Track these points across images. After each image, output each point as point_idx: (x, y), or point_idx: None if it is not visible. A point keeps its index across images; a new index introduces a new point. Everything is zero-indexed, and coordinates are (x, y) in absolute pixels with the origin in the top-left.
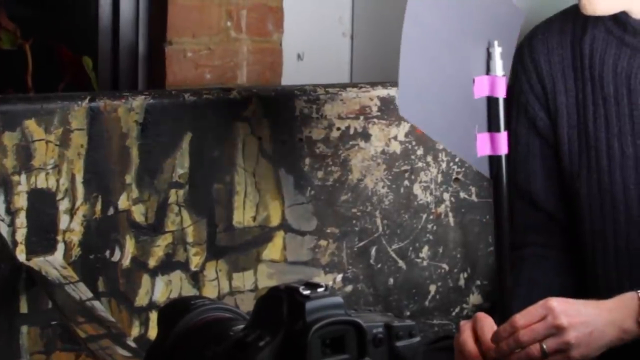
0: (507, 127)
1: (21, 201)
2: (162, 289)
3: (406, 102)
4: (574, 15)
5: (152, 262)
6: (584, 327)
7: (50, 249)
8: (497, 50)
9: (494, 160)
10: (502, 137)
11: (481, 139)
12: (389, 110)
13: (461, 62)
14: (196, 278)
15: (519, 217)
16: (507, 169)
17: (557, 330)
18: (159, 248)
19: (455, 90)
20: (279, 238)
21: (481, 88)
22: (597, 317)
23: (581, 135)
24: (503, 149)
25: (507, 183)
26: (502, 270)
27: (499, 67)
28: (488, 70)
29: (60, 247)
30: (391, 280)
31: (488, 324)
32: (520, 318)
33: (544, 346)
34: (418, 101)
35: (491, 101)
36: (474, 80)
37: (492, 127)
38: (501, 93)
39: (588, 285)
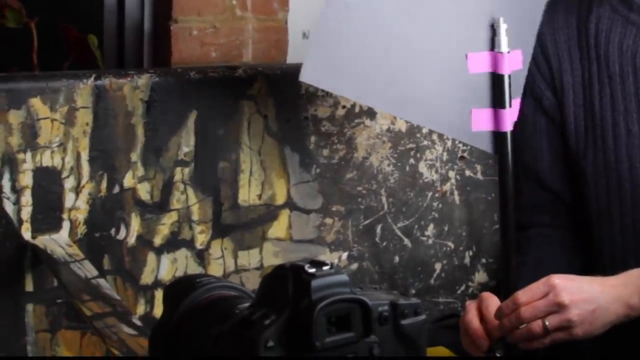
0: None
1: (26, 179)
2: (167, 267)
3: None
4: None
5: (157, 240)
6: (587, 304)
7: (56, 227)
8: (502, 27)
9: (497, 136)
10: (507, 113)
11: (480, 115)
12: None
13: (449, 41)
14: (201, 256)
15: (526, 197)
16: (512, 145)
17: (559, 307)
18: (165, 226)
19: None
20: (284, 216)
21: (478, 64)
22: (600, 294)
23: (587, 114)
24: (508, 125)
25: (513, 159)
26: (507, 248)
27: (504, 43)
28: (493, 47)
29: (66, 225)
30: (397, 258)
31: (493, 303)
32: (523, 295)
33: (546, 323)
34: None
35: (495, 77)
36: (466, 56)
37: (497, 103)
38: (506, 69)
39: (594, 265)
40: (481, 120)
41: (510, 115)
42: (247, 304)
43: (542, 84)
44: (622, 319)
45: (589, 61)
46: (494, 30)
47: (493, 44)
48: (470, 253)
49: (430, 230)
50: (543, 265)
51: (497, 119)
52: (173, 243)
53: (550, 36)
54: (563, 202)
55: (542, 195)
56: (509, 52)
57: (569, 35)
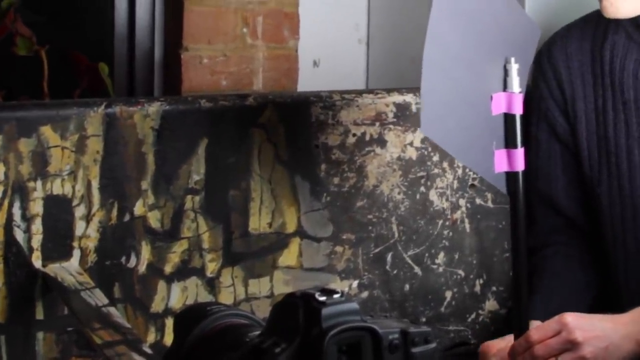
0: (527, 134)
1: (37, 207)
2: (177, 295)
3: (428, 119)
4: (594, 21)
5: (168, 269)
6: (599, 341)
7: (66, 255)
8: (513, 67)
9: (510, 176)
10: (519, 153)
11: (499, 156)
12: (404, 116)
13: (479, 79)
14: (212, 284)
15: (540, 222)
16: (524, 185)
17: (572, 345)
18: (175, 254)
19: (474, 107)
20: (294, 244)
21: (499, 105)
22: (612, 332)
23: (601, 141)
24: (520, 165)
25: (524, 199)
26: (518, 276)
27: (516, 84)
28: (505, 87)
29: (76, 253)
30: (407, 287)
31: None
32: (535, 333)
33: None
34: (439, 118)
35: (508, 118)
36: (491, 97)
37: (509, 143)
38: (518, 110)
39: (609, 291)
40: (499, 161)
41: (521, 155)
42: (257, 332)
43: (556, 111)
44: (634, 356)
45: (603, 88)
46: (505, 70)
47: (505, 84)
48: (481, 281)
49: (441, 258)
50: (560, 278)
51: (510, 159)
52: (183, 271)
53: (563, 62)
54: (578, 227)
55: (557, 220)
56: (520, 92)
57: (583, 62)
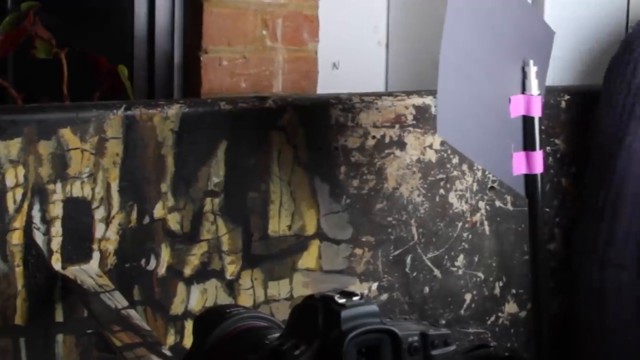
0: (614, 137)
1: (56, 210)
2: (197, 298)
3: (444, 123)
4: None
5: (187, 271)
6: None
7: (86, 257)
8: (532, 69)
9: (529, 178)
10: (538, 155)
11: (517, 158)
12: (424, 118)
13: (497, 82)
14: (231, 287)
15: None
16: (542, 188)
17: None
18: (195, 257)
19: (492, 109)
20: (314, 247)
21: (517, 107)
22: None
23: None
24: (539, 168)
25: (542, 201)
26: (537, 279)
27: (535, 86)
28: (524, 89)
29: (96, 255)
30: (426, 289)
31: None
32: None
33: None
34: (456, 121)
35: (527, 120)
36: (510, 100)
37: (528, 146)
38: (537, 112)
39: None
40: (518, 163)
41: (540, 158)
42: (277, 335)
43: None
44: None
45: None
46: (524, 73)
47: (524, 87)
48: (501, 283)
49: (460, 260)
50: None
51: (529, 162)
52: (203, 273)
53: None
54: None
55: None
56: (539, 94)
57: None
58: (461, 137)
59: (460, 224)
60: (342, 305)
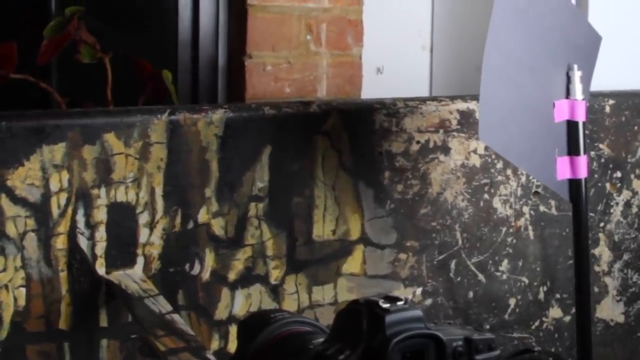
0: None
1: (101, 215)
2: (241, 303)
3: (487, 127)
4: None
5: (231, 276)
6: None
7: (130, 262)
8: (576, 74)
9: (573, 183)
10: (582, 160)
11: (561, 163)
12: (468, 123)
13: (541, 86)
14: (276, 291)
15: None
16: (586, 192)
17: None
18: (239, 261)
19: (536, 114)
20: (358, 251)
21: (561, 112)
22: None
23: None
24: (583, 173)
25: (587, 206)
26: (581, 284)
27: (579, 91)
28: (568, 94)
29: (140, 260)
30: (471, 294)
31: None
32: None
33: None
34: (498, 126)
35: (571, 125)
36: (554, 104)
37: (572, 150)
38: (581, 117)
39: None
40: (562, 168)
41: (584, 163)
42: (321, 340)
43: None
44: None
45: None
46: (568, 77)
47: (568, 91)
48: (545, 288)
49: (505, 265)
50: None
51: (573, 166)
52: (247, 278)
53: None
54: None
55: None
56: (583, 99)
57: None
58: (504, 141)
59: (504, 229)
60: (387, 310)
